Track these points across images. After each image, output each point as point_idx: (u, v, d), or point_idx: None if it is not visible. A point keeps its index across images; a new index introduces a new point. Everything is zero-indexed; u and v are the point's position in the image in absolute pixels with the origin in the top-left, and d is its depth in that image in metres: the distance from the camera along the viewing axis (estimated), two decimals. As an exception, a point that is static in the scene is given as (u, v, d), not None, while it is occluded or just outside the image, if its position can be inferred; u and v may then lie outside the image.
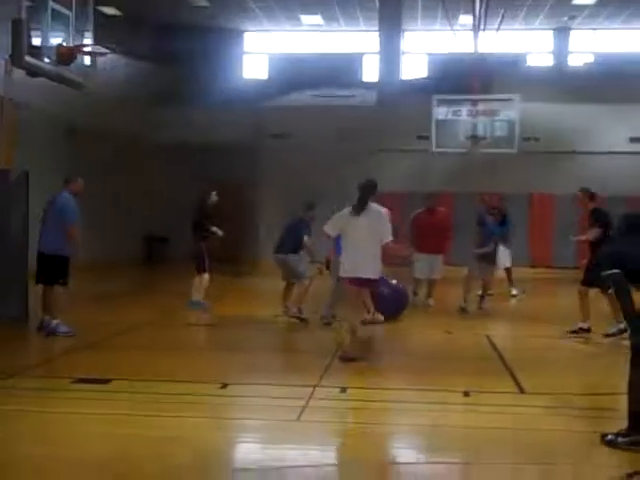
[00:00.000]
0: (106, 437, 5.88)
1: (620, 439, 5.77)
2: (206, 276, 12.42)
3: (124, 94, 21.57)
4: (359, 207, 8.69)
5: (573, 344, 10.17)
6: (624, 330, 9.19)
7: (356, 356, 8.59)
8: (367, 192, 8.76)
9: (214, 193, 12.77)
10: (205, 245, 12.49)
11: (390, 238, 8.58)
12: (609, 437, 5.84)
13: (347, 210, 8.82)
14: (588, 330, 10.47)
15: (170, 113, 21.96)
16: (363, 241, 8.57)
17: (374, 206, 8.73)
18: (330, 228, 8.82)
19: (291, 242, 11.34)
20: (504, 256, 15.09)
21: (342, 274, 8.82)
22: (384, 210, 8.80)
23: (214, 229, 12.61)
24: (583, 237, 11.14)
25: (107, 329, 10.63)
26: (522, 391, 7.59)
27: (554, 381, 8.07)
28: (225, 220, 22.37)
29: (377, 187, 8.91)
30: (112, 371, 7.95)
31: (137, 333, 10.82)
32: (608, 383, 7.87)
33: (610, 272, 6.00)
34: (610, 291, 9.36)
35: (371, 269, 8.65)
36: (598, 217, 10.63)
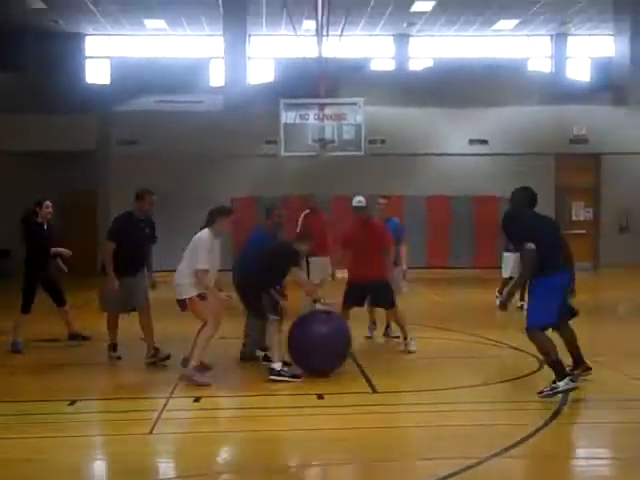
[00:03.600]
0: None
1: None
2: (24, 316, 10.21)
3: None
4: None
5: (418, 342, 10.43)
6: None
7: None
8: (210, 218, 8.39)
9: (46, 204, 10.23)
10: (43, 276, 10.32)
11: (197, 267, 8.04)
12: None
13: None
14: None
15: (10, 120, 21.02)
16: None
17: (201, 232, 8.29)
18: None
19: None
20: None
21: None
22: (199, 236, 8.24)
23: (56, 251, 10.41)
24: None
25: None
26: (374, 391, 7.76)
27: (404, 380, 8.28)
28: (74, 230, 22.10)
29: (219, 214, 8.41)
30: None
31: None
32: (448, 379, 8.16)
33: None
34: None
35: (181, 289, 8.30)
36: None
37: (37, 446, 5.98)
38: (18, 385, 8.14)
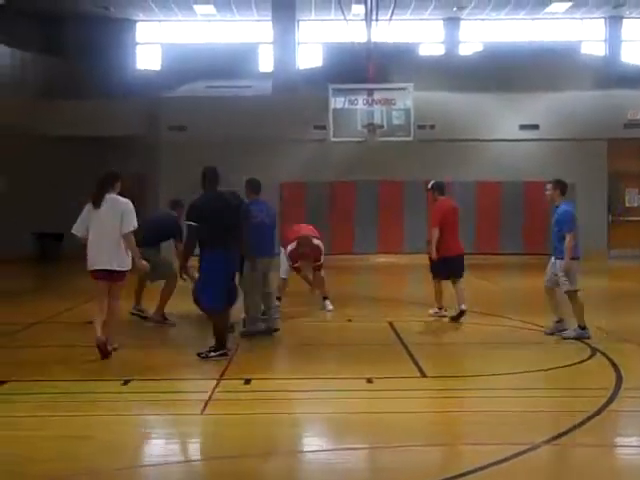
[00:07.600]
0: (5, 440, 5.71)
1: None
2: None
3: (11, 86, 20.84)
4: (97, 199, 8.44)
5: (466, 327, 10.40)
6: None
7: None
8: (105, 183, 8.53)
9: None
10: None
11: (131, 229, 8.37)
12: None
13: (88, 205, 8.52)
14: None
15: (62, 105, 21.35)
16: (106, 233, 8.36)
17: (113, 197, 8.49)
18: (76, 228, 8.54)
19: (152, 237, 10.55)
20: None
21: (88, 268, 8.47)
22: (125, 200, 8.55)
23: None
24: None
25: None
26: (424, 375, 7.76)
27: (453, 365, 8.26)
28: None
29: (118, 177, 8.64)
30: (7, 373, 7.69)
31: (32, 333, 10.45)
32: (498, 365, 8.12)
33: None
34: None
35: (116, 261, 8.39)
36: None
37: (89, 424, 6.11)
38: (73, 365, 8.28)
